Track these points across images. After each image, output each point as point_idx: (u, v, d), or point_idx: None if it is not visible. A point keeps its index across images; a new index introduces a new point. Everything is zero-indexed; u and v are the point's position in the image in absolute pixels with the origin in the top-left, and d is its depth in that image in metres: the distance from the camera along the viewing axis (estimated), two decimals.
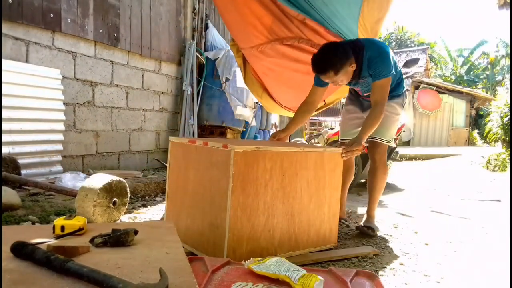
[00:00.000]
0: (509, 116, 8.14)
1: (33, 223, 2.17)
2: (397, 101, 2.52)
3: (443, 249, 2.28)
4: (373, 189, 2.56)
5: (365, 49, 2.24)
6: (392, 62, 2.26)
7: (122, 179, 2.33)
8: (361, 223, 2.51)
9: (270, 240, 1.82)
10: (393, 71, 2.26)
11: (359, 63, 2.25)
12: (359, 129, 2.66)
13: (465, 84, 19.61)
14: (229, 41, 3.86)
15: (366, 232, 2.41)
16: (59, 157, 3.50)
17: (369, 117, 2.26)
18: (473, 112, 15.22)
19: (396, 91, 2.50)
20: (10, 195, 2.31)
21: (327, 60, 2.15)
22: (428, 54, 16.91)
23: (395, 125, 2.56)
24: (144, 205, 3.01)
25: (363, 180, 4.62)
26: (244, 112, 5.42)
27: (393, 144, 2.70)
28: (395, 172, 5.99)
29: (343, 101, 4.61)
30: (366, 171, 4.26)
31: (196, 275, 1.06)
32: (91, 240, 1.04)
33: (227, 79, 5.26)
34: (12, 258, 0.90)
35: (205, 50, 5.62)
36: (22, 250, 0.89)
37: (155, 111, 4.88)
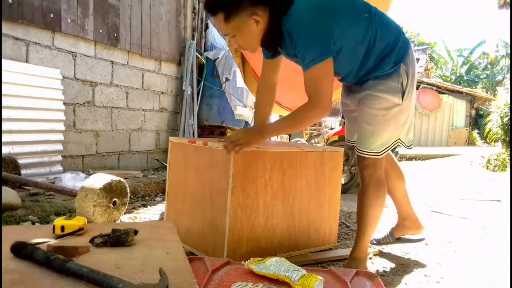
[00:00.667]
0: (509, 116, 8.14)
1: (33, 223, 2.17)
2: (383, 86, 1.60)
3: (443, 249, 2.28)
4: (362, 219, 1.73)
5: (288, 14, 1.49)
6: (328, 39, 1.46)
7: (122, 179, 2.33)
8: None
9: (270, 240, 1.82)
10: (326, 57, 1.45)
11: (275, 28, 1.52)
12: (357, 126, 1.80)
13: (465, 84, 19.62)
14: None
15: None
16: (59, 157, 3.50)
17: (288, 115, 1.69)
18: (473, 112, 15.23)
19: (378, 70, 1.60)
20: (10, 195, 2.31)
21: None
22: (428, 54, 16.93)
23: (393, 123, 1.64)
24: (144, 205, 3.00)
25: None
26: (244, 112, 5.42)
27: (410, 144, 1.80)
28: None
29: None
30: None
31: (196, 275, 1.06)
32: (91, 240, 1.04)
33: (227, 79, 5.26)
34: (12, 258, 0.90)
35: (205, 50, 5.62)
36: (22, 250, 0.89)
37: (155, 111, 4.88)
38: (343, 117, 4.43)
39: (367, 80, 1.65)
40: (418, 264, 1.99)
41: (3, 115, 2.95)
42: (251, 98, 5.51)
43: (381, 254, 2.12)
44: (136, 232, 1.08)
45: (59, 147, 3.50)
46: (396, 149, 4.86)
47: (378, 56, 1.59)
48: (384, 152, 1.69)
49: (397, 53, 1.60)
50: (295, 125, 1.63)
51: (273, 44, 1.61)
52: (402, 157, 8.94)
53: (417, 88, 13.87)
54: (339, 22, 1.48)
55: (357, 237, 1.77)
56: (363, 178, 1.75)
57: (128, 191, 2.39)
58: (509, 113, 8.12)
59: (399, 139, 1.70)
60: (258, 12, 1.46)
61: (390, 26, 1.62)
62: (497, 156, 7.23)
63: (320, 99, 1.49)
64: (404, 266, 1.94)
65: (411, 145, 1.80)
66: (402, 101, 1.62)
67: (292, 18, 1.49)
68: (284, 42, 1.58)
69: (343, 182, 4.09)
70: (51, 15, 3.35)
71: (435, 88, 13.88)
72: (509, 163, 6.73)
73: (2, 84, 2.89)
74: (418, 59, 15.72)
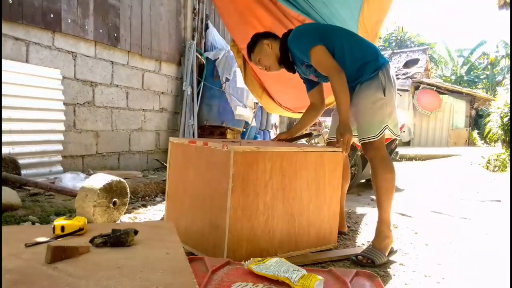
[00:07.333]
0: (509, 116, 8.13)
1: (33, 223, 2.17)
2: (369, 89, 2.08)
3: (443, 249, 2.28)
4: (377, 193, 2.09)
5: (290, 34, 2.20)
6: (315, 35, 2.11)
7: (122, 179, 2.33)
8: (367, 246, 2.12)
9: (270, 240, 1.82)
10: (317, 43, 2.04)
11: (284, 47, 2.21)
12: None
13: (465, 85, 19.64)
14: (229, 41, 3.86)
15: (361, 263, 1.90)
16: (59, 157, 3.50)
17: (334, 92, 2.05)
18: (473, 112, 15.22)
19: (362, 76, 2.10)
20: (10, 195, 2.31)
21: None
22: (428, 54, 16.91)
23: (380, 112, 2.07)
24: (144, 205, 3.01)
25: (363, 180, 4.61)
26: (244, 112, 5.42)
27: (398, 133, 2.21)
28: None
29: None
30: (366, 171, 4.25)
31: (196, 275, 1.06)
32: (91, 240, 1.04)
33: (227, 80, 5.26)
34: (12, 258, 0.90)
35: (205, 51, 5.62)
36: None
37: (155, 111, 4.88)
38: None
39: (356, 86, 2.14)
40: (418, 264, 1.99)
41: (3, 115, 2.95)
42: (251, 98, 5.51)
43: None
44: (136, 232, 1.08)
45: (59, 147, 3.50)
46: (396, 149, 4.86)
47: (354, 65, 2.11)
48: (380, 134, 2.07)
49: (375, 64, 2.11)
50: (342, 95, 2.01)
51: (286, 60, 2.25)
52: (402, 157, 8.94)
53: (417, 88, 13.87)
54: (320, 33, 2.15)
55: (379, 212, 2.10)
56: (371, 160, 2.14)
57: (128, 191, 2.39)
58: (509, 113, 8.12)
59: (387, 125, 2.10)
60: (269, 40, 2.25)
61: (364, 45, 2.20)
62: (497, 156, 7.22)
63: (331, 70, 2.03)
64: (404, 266, 1.94)
65: (399, 135, 2.25)
66: (384, 96, 2.07)
67: (292, 34, 2.19)
68: (293, 56, 2.24)
69: None
70: (51, 15, 3.35)
71: (435, 89, 13.87)
72: (509, 163, 6.72)
73: (2, 84, 2.89)
74: (418, 59, 15.67)
